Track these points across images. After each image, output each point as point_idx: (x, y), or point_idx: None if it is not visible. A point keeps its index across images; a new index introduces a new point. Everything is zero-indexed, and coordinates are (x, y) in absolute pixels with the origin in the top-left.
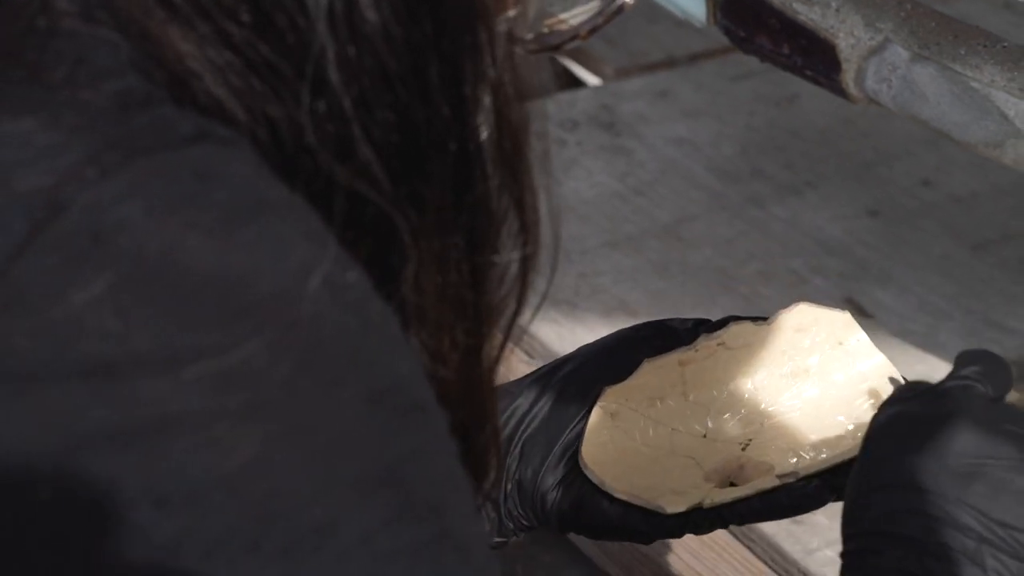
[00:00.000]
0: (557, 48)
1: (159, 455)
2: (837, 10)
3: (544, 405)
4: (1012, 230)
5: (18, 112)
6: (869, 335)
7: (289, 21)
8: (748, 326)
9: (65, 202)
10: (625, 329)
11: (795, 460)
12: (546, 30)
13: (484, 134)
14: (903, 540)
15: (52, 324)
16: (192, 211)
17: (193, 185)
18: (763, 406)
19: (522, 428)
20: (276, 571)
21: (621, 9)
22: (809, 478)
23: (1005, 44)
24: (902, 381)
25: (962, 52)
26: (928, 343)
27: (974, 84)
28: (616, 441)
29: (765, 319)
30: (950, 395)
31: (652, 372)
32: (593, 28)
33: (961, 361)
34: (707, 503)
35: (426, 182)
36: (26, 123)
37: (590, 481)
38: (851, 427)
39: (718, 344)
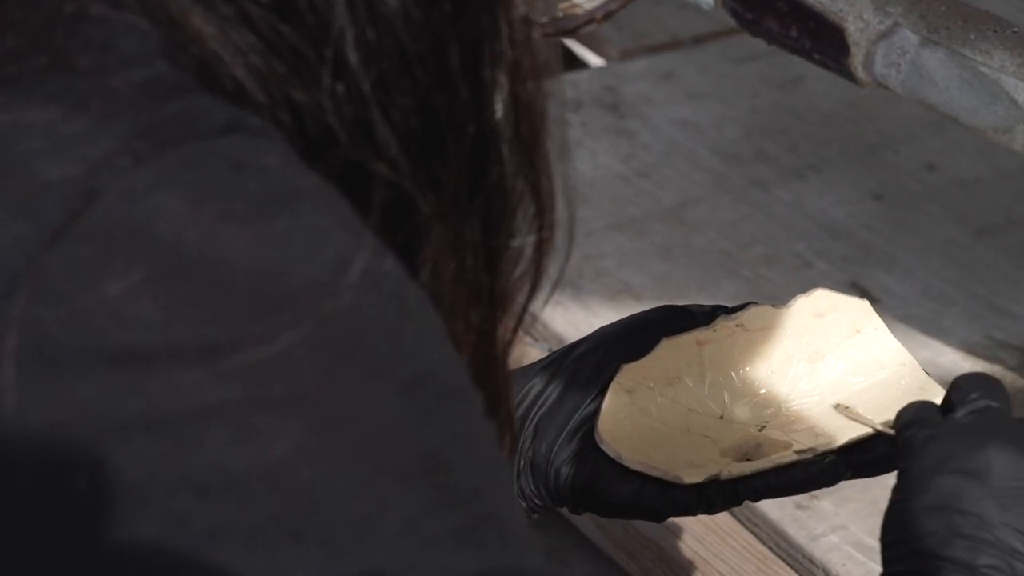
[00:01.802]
0: (572, 32)
1: (197, 445)
2: None
3: (558, 385)
4: (1017, 215)
5: (43, 101)
6: None
7: (309, 3)
8: (767, 309)
9: (98, 191)
10: (642, 311)
11: (812, 439)
12: (560, 14)
13: (501, 117)
14: (952, 563)
15: (88, 313)
16: (225, 201)
17: (226, 175)
18: (780, 390)
19: (536, 408)
20: (317, 560)
21: None
22: (825, 454)
23: (1015, 29)
24: (925, 373)
25: (972, 37)
26: (932, 328)
27: (984, 69)
28: (633, 417)
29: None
30: (979, 417)
31: (670, 350)
32: (608, 13)
33: (961, 389)
34: (724, 475)
35: (444, 165)
36: (51, 112)
37: (605, 455)
38: (868, 413)
39: (736, 325)
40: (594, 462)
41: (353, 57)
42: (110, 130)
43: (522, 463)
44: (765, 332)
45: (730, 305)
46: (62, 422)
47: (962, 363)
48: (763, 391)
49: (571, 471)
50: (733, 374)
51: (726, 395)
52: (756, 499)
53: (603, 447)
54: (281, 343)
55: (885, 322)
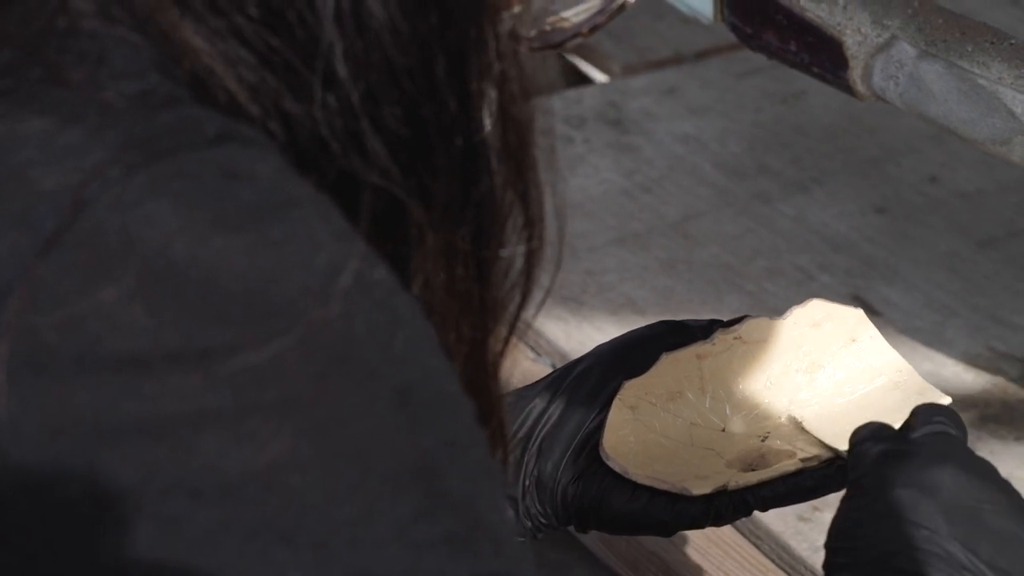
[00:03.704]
0: (560, 45)
1: (191, 449)
2: (844, 7)
3: (560, 403)
4: (1018, 227)
5: (38, 112)
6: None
7: (298, 16)
8: (764, 321)
9: (90, 200)
10: (640, 328)
11: (814, 448)
12: (549, 28)
13: (489, 129)
14: (901, 574)
15: (82, 319)
16: (217, 209)
17: (218, 184)
18: (780, 400)
19: (539, 427)
20: (310, 564)
21: (622, 7)
22: (829, 461)
23: (1012, 41)
24: (925, 383)
25: (969, 49)
26: (935, 340)
27: (981, 81)
28: (636, 433)
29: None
30: (938, 439)
31: (670, 366)
32: (594, 26)
33: (924, 413)
34: (732, 485)
35: (433, 176)
36: (46, 123)
37: (611, 472)
38: (866, 421)
39: (734, 338)
40: (601, 479)
41: (342, 69)
42: (103, 141)
43: (527, 483)
44: (763, 344)
45: (730, 319)
46: (56, 428)
47: (964, 375)
48: (763, 402)
49: (578, 489)
50: (733, 387)
51: (727, 408)
52: (765, 508)
53: (609, 463)
54: (274, 349)
55: (888, 334)
